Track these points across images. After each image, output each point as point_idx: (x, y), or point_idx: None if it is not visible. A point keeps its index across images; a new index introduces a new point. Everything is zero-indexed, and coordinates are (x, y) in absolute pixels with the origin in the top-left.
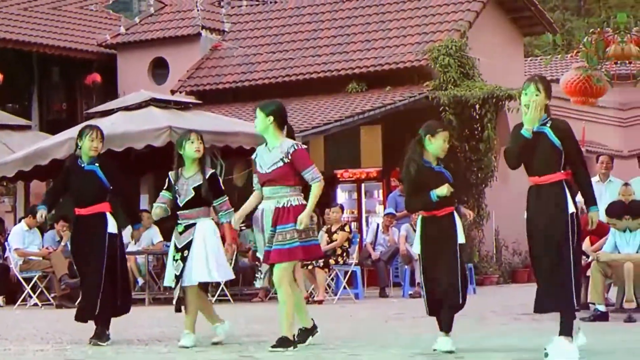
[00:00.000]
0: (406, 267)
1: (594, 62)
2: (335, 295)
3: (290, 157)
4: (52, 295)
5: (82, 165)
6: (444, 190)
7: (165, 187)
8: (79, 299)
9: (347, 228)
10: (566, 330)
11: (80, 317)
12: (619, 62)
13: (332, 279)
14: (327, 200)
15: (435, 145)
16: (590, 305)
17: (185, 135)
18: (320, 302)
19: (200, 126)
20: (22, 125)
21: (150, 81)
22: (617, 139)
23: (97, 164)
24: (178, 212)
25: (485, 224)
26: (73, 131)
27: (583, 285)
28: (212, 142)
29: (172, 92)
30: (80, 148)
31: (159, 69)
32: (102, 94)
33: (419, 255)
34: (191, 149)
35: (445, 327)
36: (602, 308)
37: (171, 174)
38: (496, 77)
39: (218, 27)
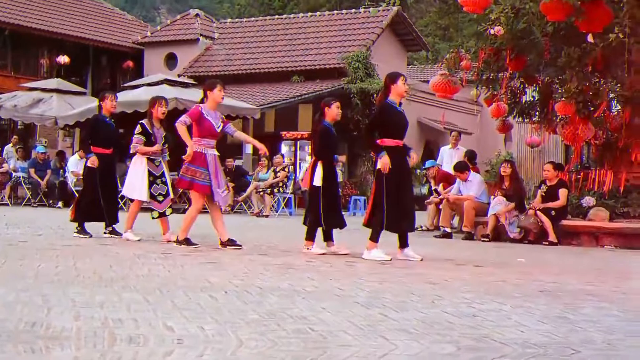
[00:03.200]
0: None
1: (452, 71)
2: (277, 212)
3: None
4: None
5: (105, 119)
6: (343, 158)
7: (140, 132)
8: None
9: (286, 169)
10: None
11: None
12: (467, 71)
13: (275, 202)
14: (274, 151)
15: (332, 112)
16: (440, 227)
17: (159, 99)
18: (266, 216)
19: (195, 99)
20: (80, 92)
21: (164, 68)
22: (466, 122)
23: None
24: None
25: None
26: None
27: (437, 213)
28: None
29: (178, 75)
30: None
31: (171, 60)
32: (133, 74)
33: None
34: (160, 111)
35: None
36: (448, 230)
37: (146, 123)
38: None
39: (210, 35)
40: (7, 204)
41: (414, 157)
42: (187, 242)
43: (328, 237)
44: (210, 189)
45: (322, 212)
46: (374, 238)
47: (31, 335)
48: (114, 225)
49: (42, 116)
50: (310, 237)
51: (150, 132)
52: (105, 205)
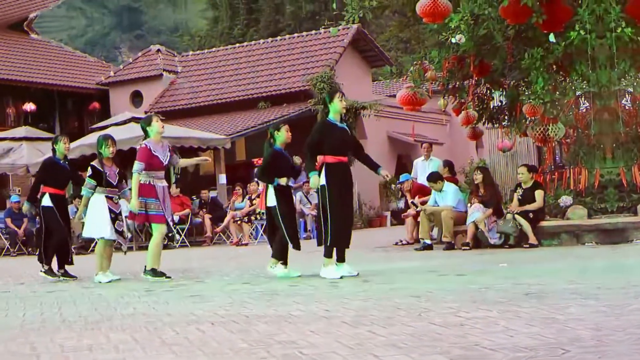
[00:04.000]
0: (301, 220)
1: (418, 82)
2: (256, 239)
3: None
4: (73, 247)
5: (60, 162)
6: (283, 181)
7: (91, 175)
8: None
9: (261, 196)
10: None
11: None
12: (433, 82)
13: (254, 229)
14: (248, 178)
15: (281, 136)
16: (420, 240)
17: (106, 139)
18: (246, 244)
19: (165, 134)
20: (49, 138)
21: (131, 106)
22: (437, 132)
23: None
24: (109, 189)
25: None
26: (82, 140)
27: (416, 226)
28: (172, 143)
29: (145, 112)
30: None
31: (136, 98)
32: (100, 115)
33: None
34: (108, 151)
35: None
36: (428, 241)
37: (96, 164)
38: (354, 95)
39: (174, 69)
40: None
41: (387, 175)
42: (153, 272)
43: (285, 257)
44: (165, 218)
45: (286, 230)
46: (328, 255)
47: None
48: (65, 266)
49: (13, 165)
50: (280, 256)
51: (102, 171)
52: (60, 244)
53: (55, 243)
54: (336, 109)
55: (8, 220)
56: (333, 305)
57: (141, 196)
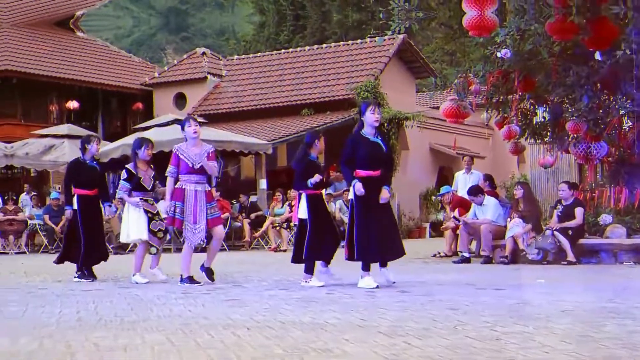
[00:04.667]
0: (341, 227)
1: (462, 95)
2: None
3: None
4: (111, 246)
5: (87, 161)
6: (317, 179)
7: (126, 178)
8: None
9: (294, 207)
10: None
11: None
12: (477, 95)
13: (293, 235)
14: (289, 184)
15: (319, 147)
16: (459, 252)
17: (144, 141)
18: (284, 250)
19: (207, 137)
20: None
21: (174, 108)
22: (479, 146)
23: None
24: (142, 193)
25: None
26: (124, 140)
27: (454, 239)
28: (215, 147)
29: (189, 114)
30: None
31: (180, 100)
32: (144, 116)
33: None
34: (147, 154)
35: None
36: (466, 254)
37: (130, 168)
38: (397, 105)
39: (219, 73)
40: (24, 252)
41: (384, 194)
42: (190, 280)
43: (310, 270)
44: (182, 223)
45: (308, 245)
46: (365, 268)
47: None
48: (93, 266)
49: (55, 162)
50: (309, 270)
51: (136, 175)
52: (86, 247)
53: (83, 253)
54: (368, 121)
55: (46, 217)
56: (369, 315)
57: (173, 199)
